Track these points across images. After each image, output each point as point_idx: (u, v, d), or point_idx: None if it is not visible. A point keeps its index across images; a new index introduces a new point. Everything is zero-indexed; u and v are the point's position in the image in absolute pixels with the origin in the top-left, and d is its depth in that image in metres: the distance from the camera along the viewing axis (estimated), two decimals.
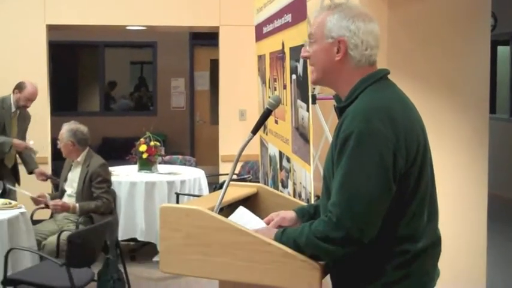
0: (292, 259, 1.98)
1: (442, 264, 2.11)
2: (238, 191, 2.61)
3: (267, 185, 5.34)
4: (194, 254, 2.11)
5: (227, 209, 2.42)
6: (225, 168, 7.37)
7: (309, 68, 2.16)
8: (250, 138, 2.17)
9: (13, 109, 5.99)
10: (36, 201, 5.01)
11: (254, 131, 2.20)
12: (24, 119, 6.13)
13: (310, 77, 2.13)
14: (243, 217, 2.28)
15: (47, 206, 5.03)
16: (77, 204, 4.90)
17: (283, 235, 2.02)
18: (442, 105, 4.30)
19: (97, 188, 4.98)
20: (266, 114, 2.24)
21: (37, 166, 6.03)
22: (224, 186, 2.22)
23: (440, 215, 2.09)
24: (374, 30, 2.02)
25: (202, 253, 2.10)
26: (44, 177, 5.92)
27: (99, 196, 4.97)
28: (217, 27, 7.51)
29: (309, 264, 1.97)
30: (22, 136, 6.05)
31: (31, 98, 5.98)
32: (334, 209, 1.88)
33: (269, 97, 4.95)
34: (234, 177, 6.49)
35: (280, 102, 2.51)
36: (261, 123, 2.22)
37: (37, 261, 4.41)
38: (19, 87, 5.98)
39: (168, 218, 2.16)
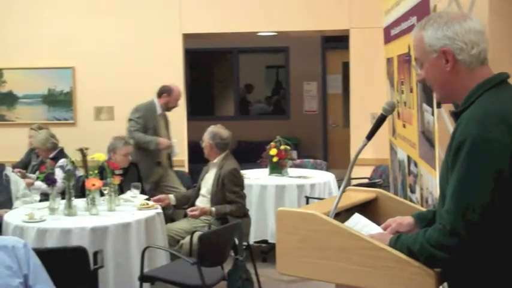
0: (406, 265, 1.97)
1: None
2: (357, 195, 2.62)
3: (397, 190, 5.29)
4: (309, 257, 2.16)
5: (345, 214, 2.44)
6: (356, 172, 7.33)
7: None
8: (365, 144, 2.19)
9: (159, 112, 6.41)
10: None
11: (369, 137, 2.22)
12: (167, 121, 6.54)
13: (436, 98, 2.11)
14: (358, 223, 2.30)
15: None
16: (213, 209, 5.10)
17: (397, 241, 2.02)
18: None
19: (230, 192, 5.16)
20: (381, 120, 2.24)
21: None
22: (340, 191, 2.25)
23: None
24: (472, 27, 1.97)
25: (317, 256, 2.14)
26: None
27: (233, 200, 5.15)
28: (348, 30, 7.50)
29: (423, 271, 1.95)
30: (168, 137, 6.48)
31: (179, 99, 6.51)
32: (448, 217, 1.86)
33: (397, 101, 4.89)
34: (365, 181, 6.53)
35: (395, 108, 2.50)
36: (375, 129, 2.23)
37: (170, 259, 4.64)
38: (167, 91, 6.43)
39: (285, 221, 2.23)
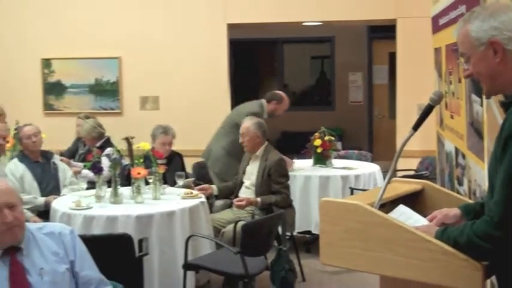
0: (452, 258, 1.94)
1: None
2: (402, 187, 2.58)
3: (444, 182, 5.19)
4: (353, 247, 2.14)
5: (390, 205, 2.41)
6: (402, 164, 7.23)
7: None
8: (411, 135, 2.16)
9: (264, 117, 6.21)
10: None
11: (415, 127, 2.18)
12: None
13: (484, 92, 2.06)
14: (403, 214, 2.26)
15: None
16: (259, 199, 5.11)
17: (444, 233, 1.98)
18: None
19: (276, 183, 5.16)
20: (428, 110, 2.19)
21: None
22: (385, 182, 2.22)
23: None
24: None
25: (361, 247, 2.12)
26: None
27: (278, 191, 5.15)
28: (395, 20, 7.38)
29: (470, 263, 1.91)
30: None
31: (286, 108, 6.42)
32: (496, 208, 1.82)
33: (445, 91, 4.80)
34: (411, 173, 6.44)
35: (443, 98, 2.45)
36: (422, 119, 2.19)
37: (214, 248, 4.66)
38: (278, 98, 6.32)
39: (328, 212, 2.21)
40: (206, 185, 5.28)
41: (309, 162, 6.52)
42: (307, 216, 5.95)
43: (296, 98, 11.83)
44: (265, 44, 11.63)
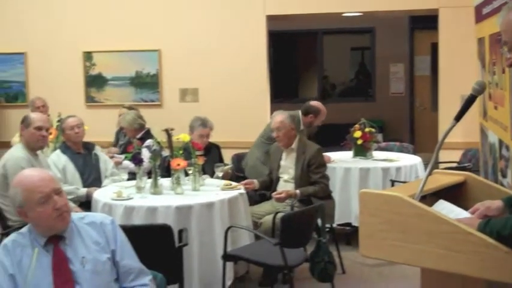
0: (495, 250, 1.90)
1: None
2: (444, 179, 2.54)
3: (487, 175, 5.10)
4: (393, 239, 2.11)
5: (431, 198, 2.38)
6: (444, 156, 7.13)
7: None
8: (453, 126, 2.12)
9: (301, 128, 6.18)
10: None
11: (457, 118, 2.14)
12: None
13: None
14: (444, 209, 2.23)
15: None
16: (298, 191, 5.09)
17: (486, 226, 1.94)
18: None
19: (315, 173, 5.14)
20: (470, 101, 2.15)
21: None
22: (426, 174, 2.18)
23: None
24: None
25: (401, 239, 2.09)
26: None
27: (316, 181, 5.13)
28: (437, 10, 7.25)
29: None
30: None
31: (324, 118, 6.35)
32: None
33: (489, 82, 4.70)
34: (454, 165, 6.33)
35: (486, 88, 2.39)
36: (464, 110, 2.15)
37: (253, 240, 4.67)
38: (314, 112, 6.26)
39: (368, 203, 2.19)
40: (250, 180, 5.26)
41: (349, 154, 6.47)
42: (347, 208, 5.91)
43: (336, 89, 11.76)
44: (305, 36, 11.57)
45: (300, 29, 11.01)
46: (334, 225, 5.69)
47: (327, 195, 5.24)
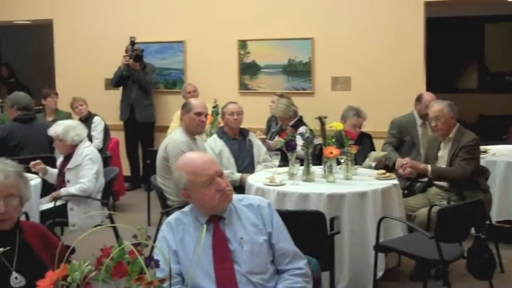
0: None
1: None
2: None
3: None
4: None
5: None
6: None
7: None
8: None
9: (419, 122, 6.08)
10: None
11: None
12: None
13: None
14: None
15: None
16: (429, 166, 4.92)
17: None
18: None
19: (458, 156, 4.89)
20: None
21: None
22: None
23: None
24: None
25: None
26: None
27: (454, 164, 4.89)
28: None
29: None
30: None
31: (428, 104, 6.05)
32: None
33: None
34: None
35: None
36: None
37: (405, 232, 4.53)
38: (418, 98, 6.14)
39: None
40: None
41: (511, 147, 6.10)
42: (507, 204, 5.58)
43: (497, 80, 11.11)
44: (465, 23, 11.00)
45: (460, 16, 10.49)
46: (493, 221, 5.39)
47: (484, 190, 4.95)
